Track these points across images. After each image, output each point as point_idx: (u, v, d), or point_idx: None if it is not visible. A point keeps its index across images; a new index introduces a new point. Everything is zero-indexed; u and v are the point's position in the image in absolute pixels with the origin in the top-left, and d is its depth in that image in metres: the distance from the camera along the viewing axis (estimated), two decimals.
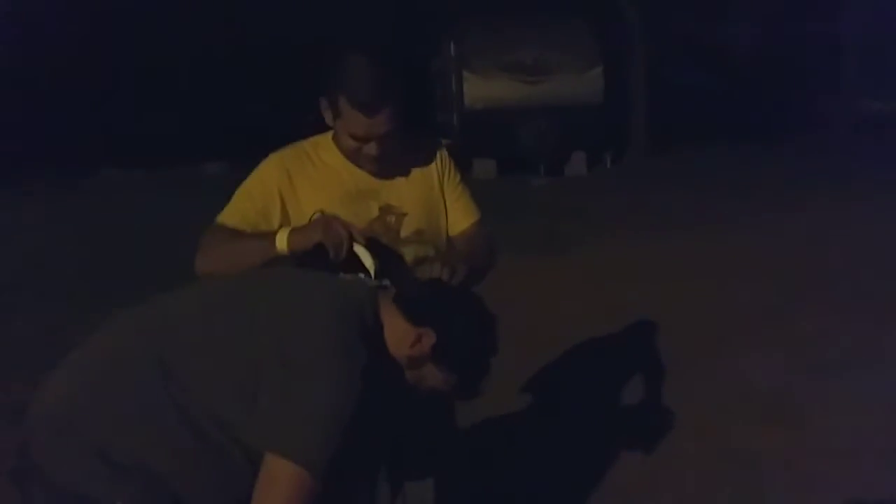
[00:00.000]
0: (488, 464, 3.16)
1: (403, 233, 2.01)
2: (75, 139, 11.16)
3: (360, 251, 1.80)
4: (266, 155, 2.03)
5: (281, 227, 1.93)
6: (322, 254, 1.77)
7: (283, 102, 13.32)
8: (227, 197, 2.12)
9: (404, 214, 1.93)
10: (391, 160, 1.96)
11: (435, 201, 2.06)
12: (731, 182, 9.67)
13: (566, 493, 3.01)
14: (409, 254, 2.00)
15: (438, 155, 2.11)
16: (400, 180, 2.02)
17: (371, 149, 1.90)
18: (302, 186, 1.96)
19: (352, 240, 1.78)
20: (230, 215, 1.97)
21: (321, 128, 2.07)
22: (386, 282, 1.76)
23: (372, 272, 1.78)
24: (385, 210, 1.99)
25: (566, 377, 4.18)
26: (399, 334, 1.58)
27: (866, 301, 4.89)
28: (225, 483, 1.48)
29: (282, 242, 1.82)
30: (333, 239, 1.76)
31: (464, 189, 2.13)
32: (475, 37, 10.99)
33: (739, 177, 10.04)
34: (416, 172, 2.04)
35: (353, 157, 1.95)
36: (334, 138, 2.00)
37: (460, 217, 2.09)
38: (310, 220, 1.89)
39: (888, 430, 3.30)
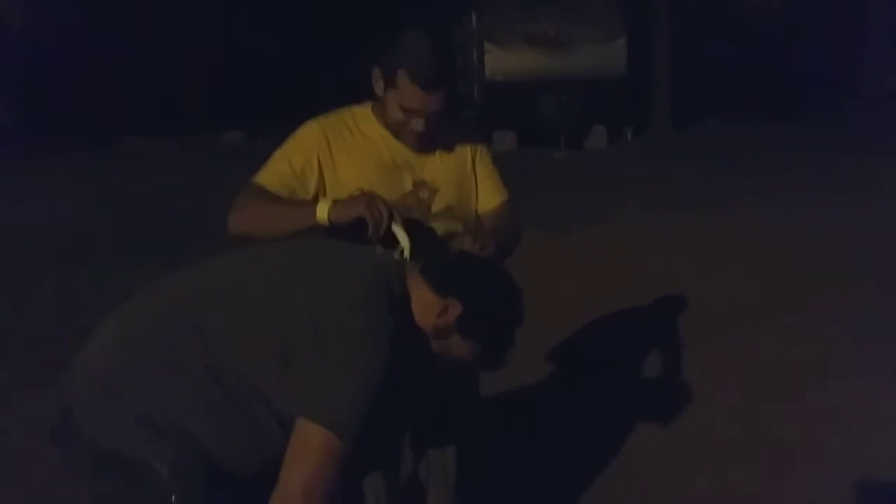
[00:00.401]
0: (511, 432, 3.17)
1: (434, 208, 2.04)
2: (98, 108, 11.22)
3: (398, 231, 1.83)
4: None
5: (316, 195, 1.94)
6: (361, 229, 1.79)
7: (302, 74, 13.37)
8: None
9: (437, 190, 1.95)
10: (431, 138, 1.98)
11: (466, 179, 2.09)
12: (753, 158, 9.60)
13: (586, 464, 3.02)
14: (438, 228, 2.03)
15: (472, 135, 2.15)
16: (434, 157, 2.04)
17: (418, 124, 1.92)
18: (339, 154, 1.97)
19: (391, 218, 1.81)
20: (268, 177, 1.96)
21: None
22: (417, 261, 1.77)
23: (406, 252, 1.82)
24: (418, 185, 2.02)
25: (586, 350, 4.19)
26: (426, 305, 1.60)
27: (888, 280, 4.85)
28: (256, 446, 1.52)
29: (323, 213, 1.83)
30: (375, 216, 1.79)
31: (494, 168, 2.16)
32: (497, 8, 10.89)
33: (762, 153, 9.96)
34: (450, 150, 2.06)
35: (397, 130, 1.96)
36: (374, 110, 2.02)
37: (490, 196, 2.12)
38: (349, 195, 1.89)
39: None
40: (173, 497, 1.46)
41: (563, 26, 11.09)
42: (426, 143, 1.98)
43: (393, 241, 1.83)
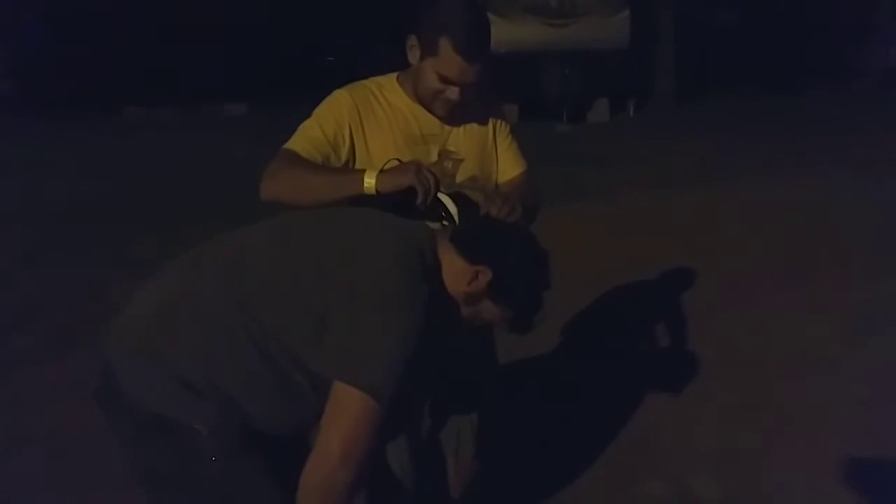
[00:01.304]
0: (529, 401, 3.24)
1: (459, 178, 2.06)
2: (101, 77, 11.19)
3: (445, 199, 1.86)
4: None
5: (347, 162, 1.95)
6: (409, 198, 1.81)
7: (305, 46, 13.29)
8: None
9: (461, 160, 1.97)
10: (461, 108, 1.99)
11: (489, 150, 2.12)
12: (756, 133, 9.59)
13: (596, 430, 3.10)
14: None
15: (494, 107, 2.18)
16: (458, 128, 2.06)
17: (453, 93, 1.93)
18: (369, 124, 1.97)
19: (437, 187, 1.83)
20: (301, 143, 1.93)
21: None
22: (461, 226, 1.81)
23: (455, 218, 1.85)
24: (444, 155, 2.04)
25: (589, 324, 4.25)
26: (457, 272, 1.64)
27: (888, 255, 4.90)
28: (291, 408, 1.57)
29: (371, 182, 1.82)
30: (424, 184, 1.80)
31: (513, 139, 2.19)
32: None
33: (764, 127, 9.95)
34: (474, 122, 2.09)
35: (430, 98, 1.96)
36: (399, 80, 2.03)
37: (510, 166, 2.15)
38: (388, 165, 1.89)
39: None
40: (213, 458, 1.52)
41: None
42: (456, 112, 2.00)
43: (436, 211, 1.85)
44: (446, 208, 1.86)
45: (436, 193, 1.83)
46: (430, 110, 2.00)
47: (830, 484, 2.73)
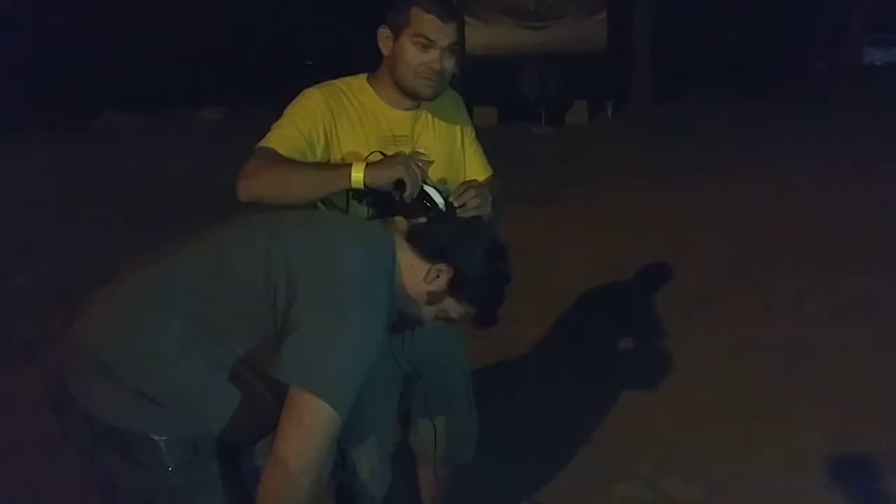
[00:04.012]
0: (503, 404, 3.22)
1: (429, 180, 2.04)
2: (78, 83, 11.12)
3: (431, 190, 1.84)
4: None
5: (323, 160, 1.91)
6: (397, 190, 1.78)
7: (279, 51, 13.26)
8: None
9: (431, 163, 1.95)
10: (442, 85, 1.98)
11: (457, 153, 2.12)
12: (733, 131, 9.66)
13: (570, 438, 3.08)
14: None
15: (462, 110, 2.18)
16: (430, 130, 2.06)
17: (434, 60, 1.91)
18: (342, 123, 1.95)
19: (424, 180, 1.82)
20: (278, 141, 1.88)
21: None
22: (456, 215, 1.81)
23: (443, 209, 1.83)
24: (414, 156, 2.01)
25: (567, 323, 4.24)
26: (416, 272, 1.62)
27: (864, 253, 4.93)
28: (249, 414, 1.54)
29: (358, 176, 1.77)
30: (413, 176, 1.78)
31: (479, 143, 2.20)
32: None
33: (742, 126, 10.03)
34: (443, 124, 2.09)
35: (412, 76, 1.93)
36: (370, 81, 2.02)
37: (477, 170, 2.15)
38: (366, 158, 1.87)
39: (882, 380, 3.36)
40: (170, 467, 1.49)
41: (544, 0, 11.07)
42: (438, 89, 1.98)
43: (421, 203, 1.82)
44: (432, 199, 1.83)
45: (422, 185, 1.81)
46: (413, 93, 1.97)
47: (805, 483, 2.73)
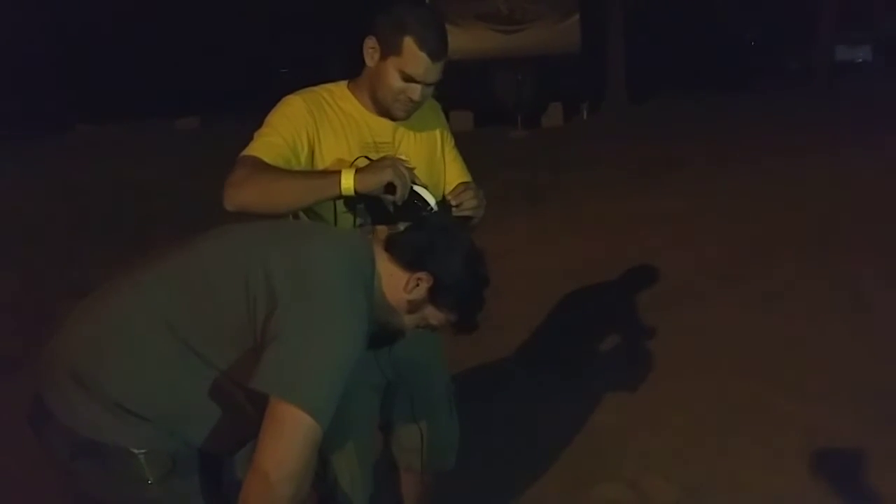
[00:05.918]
0: (483, 407, 3.22)
1: None
2: (52, 95, 11.03)
3: (421, 190, 1.84)
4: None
5: (307, 167, 1.90)
6: (388, 194, 1.78)
7: (256, 59, 13.21)
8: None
9: (412, 168, 1.95)
10: (414, 111, 1.99)
11: (437, 160, 2.12)
12: (708, 131, 9.73)
13: (551, 441, 3.09)
14: None
15: (441, 117, 2.18)
16: (410, 137, 2.06)
17: (415, 93, 1.92)
18: (324, 130, 1.94)
19: (413, 181, 1.82)
20: (262, 150, 1.86)
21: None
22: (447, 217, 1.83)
23: (434, 208, 1.84)
24: None
25: (546, 325, 4.26)
26: (396, 281, 1.63)
27: (842, 245, 4.99)
28: (228, 425, 1.53)
29: (348, 183, 1.76)
30: (402, 179, 1.78)
31: (458, 151, 2.20)
32: None
33: (717, 125, 10.09)
34: (424, 131, 2.09)
35: (390, 99, 1.94)
36: (350, 88, 2.01)
37: (457, 177, 2.15)
38: (353, 163, 1.87)
39: (862, 378, 3.40)
40: (149, 480, 1.48)
41: (516, 4, 11.11)
42: (412, 112, 1.98)
43: (411, 205, 1.82)
44: (423, 199, 1.84)
45: (411, 186, 1.81)
46: (388, 112, 1.97)
47: (785, 481, 2.75)
